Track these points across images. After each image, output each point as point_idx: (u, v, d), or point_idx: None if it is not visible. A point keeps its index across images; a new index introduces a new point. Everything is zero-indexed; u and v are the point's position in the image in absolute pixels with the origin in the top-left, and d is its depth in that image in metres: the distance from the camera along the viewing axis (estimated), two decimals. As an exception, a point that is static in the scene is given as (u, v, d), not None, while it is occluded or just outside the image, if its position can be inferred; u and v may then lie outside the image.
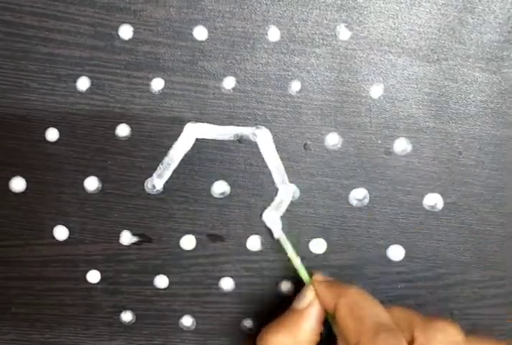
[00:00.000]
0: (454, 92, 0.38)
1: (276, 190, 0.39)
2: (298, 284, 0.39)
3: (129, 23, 0.38)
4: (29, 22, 0.38)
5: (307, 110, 0.38)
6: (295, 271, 0.37)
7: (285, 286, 0.40)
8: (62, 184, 0.39)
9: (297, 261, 0.37)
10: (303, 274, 0.37)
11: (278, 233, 0.38)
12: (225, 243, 0.39)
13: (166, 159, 0.39)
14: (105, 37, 0.38)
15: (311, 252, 0.39)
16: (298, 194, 0.39)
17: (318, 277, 0.36)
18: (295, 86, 0.38)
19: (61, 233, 0.39)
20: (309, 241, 0.39)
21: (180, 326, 0.40)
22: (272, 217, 0.39)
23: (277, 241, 0.38)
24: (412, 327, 0.31)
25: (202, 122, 0.39)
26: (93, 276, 0.40)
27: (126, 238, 0.39)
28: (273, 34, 0.38)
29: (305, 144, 0.39)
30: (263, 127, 0.39)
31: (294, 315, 0.34)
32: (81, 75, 0.38)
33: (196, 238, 0.39)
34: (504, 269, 0.39)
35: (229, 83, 0.38)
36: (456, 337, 0.31)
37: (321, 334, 0.34)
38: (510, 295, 0.39)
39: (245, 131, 0.39)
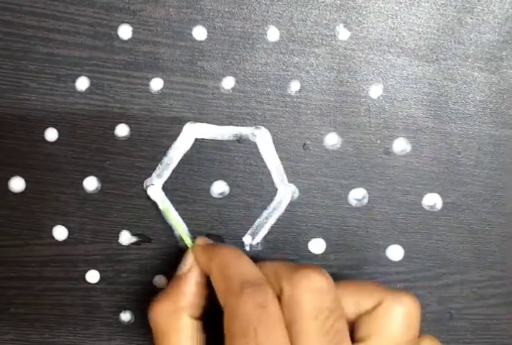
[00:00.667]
0: (453, 92, 0.38)
1: (275, 190, 0.39)
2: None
3: (129, 23, 0.38)
4: (28, 22, 0.38)
5: (306, 110, 0.38)
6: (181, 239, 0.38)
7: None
8: (61, 184, 0.39)
9: (180, 228, 0.38)
10: (187, 240, 0.38)
11: (162, 205, 0.38)
12: (224, 243, 0.39)
13: (165, 159, 0.39)
14: (104, 37, 0.38)
15: (310, 252, 0.39)
16: (297, 194, 0.39)
17: (200, 240, 0.36)
18: (294, 86, 0.38)
19: (60, 233, 0.39)
20: (308, 241, 0.39)
21: (180, 326, 0.40)
22: (155, 189, 0.38)
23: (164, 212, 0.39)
24: (280, 278, 0.31)
25: (201, 122, 0.39)
26: (93, 276, 0.40)
27: (126, 238, 0.39)
28: (272, 34, 0.38)
29: (305, 144, 0.39)
30: (262, 127, 0.39)
31: (175, 282, 0.34)
32: (80, 75, 0.38)
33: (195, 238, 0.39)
34: (503, 269, 0.39)
35: (228, 83, 0.38)
36: (321, 283, 0.30)
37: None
38: (509, 294, 0.39)
39: (244, 131, 0.39)
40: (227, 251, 0.34)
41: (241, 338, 0.29)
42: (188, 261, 0.35)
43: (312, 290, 0.30)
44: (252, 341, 0.28)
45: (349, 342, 0.30)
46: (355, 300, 0.32)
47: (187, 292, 0.34)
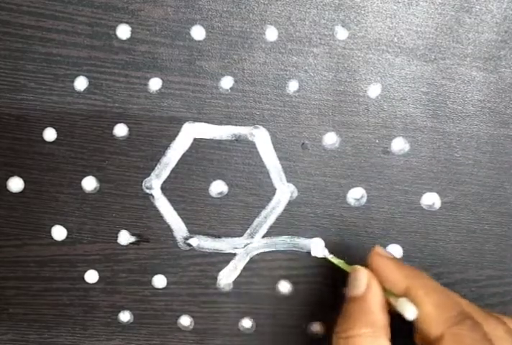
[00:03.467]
0: (452, 91, 0.38)
1: (274, 190, 0.39)
2: (296, 284, 0.39)
3: (127, 23, 0.38)
4: (26, 22, 0.38)
5: (305, 109, 0.38)
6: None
7: (283, 285, 0.40)
8: (59, 184, 0.39)
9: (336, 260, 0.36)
10: (345, 266, 0.35)
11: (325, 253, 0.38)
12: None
13: (164, 159, 0.39)
14: (103, 37, 0.38)
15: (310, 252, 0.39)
16: (295, 193, 0.39)
17: (378, 249, 0.34)
18: (292, 86, 0.38)
19: (59, 233, 0.39)
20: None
21: (178, 326, 0.40)
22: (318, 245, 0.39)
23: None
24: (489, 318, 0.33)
25: (200, 122, 0.39)
26: (91, 276, 0.40)
27: (124, 238, 0.39)
28: (271, 33, 0.38)
29: (303, 143, 0.39)
30: (261, 127, 0.39)
31: (358, 304, 0.32)
32: (79, 74, 0.38)
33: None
34: (502, 269, 0.39)
35: (226, 82, 0.38)
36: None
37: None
38: (507, 294, 0.39)
39: (243, 130, 0.39)
40: (428, 276, 0.33)
41: None
42: (364, 280, 0.32)
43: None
44: None
45: None
46: None
47: (381, 314, 0.32)
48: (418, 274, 0.32)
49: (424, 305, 0.31)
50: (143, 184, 0.39)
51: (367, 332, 0.31)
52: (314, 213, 0.39)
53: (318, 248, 0.38)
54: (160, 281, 0.40)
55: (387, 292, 0.32)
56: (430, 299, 0.31)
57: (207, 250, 0.39)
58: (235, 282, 0.39)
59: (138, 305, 0.40)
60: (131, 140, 0.39)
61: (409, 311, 0.31)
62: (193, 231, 0.39)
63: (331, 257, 0.36)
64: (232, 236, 0.39)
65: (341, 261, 0.36)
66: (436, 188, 0.39)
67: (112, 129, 0.39)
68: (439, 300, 0.31)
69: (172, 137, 0.39)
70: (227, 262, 0.39)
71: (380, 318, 0.31)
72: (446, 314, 0.30)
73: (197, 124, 0.39)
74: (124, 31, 0.38)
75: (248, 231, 0.39)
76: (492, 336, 0.30)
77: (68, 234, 0.39)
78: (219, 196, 0.39)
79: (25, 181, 0.39)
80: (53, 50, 0.38)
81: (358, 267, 0.33)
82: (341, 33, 0.38)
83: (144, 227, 0.39)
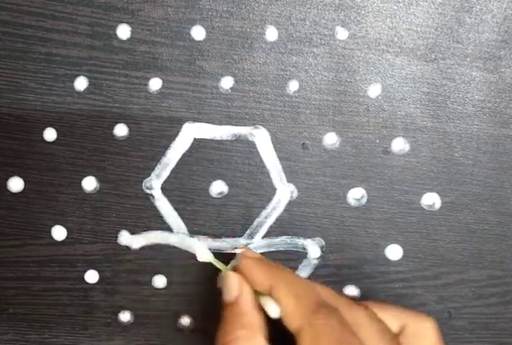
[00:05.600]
0: (452, 91, 0.38)
1: (274, 190, 0.39)
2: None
3: (127, 23, 0.38)
4: (26, 22, 0.38)
5: (305, 109, 0.38)
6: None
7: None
8: (60, 184, 0.39)
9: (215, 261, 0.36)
10: (221, 266, 0.36)
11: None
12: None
13: (164, 159, 0.39)
14: (103, 37, 0.38)
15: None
16: (296, 193, 0.39)
17: (247, 252, 0.35)
18: (293, 86, 0.38)
19: (59, 233, 0.39)
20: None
21: (179, 326, 0.40)
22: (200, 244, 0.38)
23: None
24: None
25: (200, 122, 0.39)
26: (91, 276, 0.40)
27: (125, 238, 0.39)
28: (271, 33, 0.38)
29: (303, 143, 0.39)
30: (261, 127, 0.39)
31: (234, 308, 0.33)
32: (79, 74, 0.38)
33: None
34: (502, 268, 0.39)
35: (226, 82, 0.38)
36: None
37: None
38: (507, 293, 0.40)
39: (243, 130, 0.39)
40: (290, 271, 0.33)
41: None
42: (235, 284, 0.33)
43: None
44: None
45: None
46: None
47: (253, 314, 0.32)
48: (280, 271, 0.33)
49: (284, 301, 0.31)
50: (143, 184, 0.39)
51: (242, 334, 0.32)
52: (314, 213, 0.39)
53: (202, 252, 0.37)
54: (159, 281, 0.40)
55: (257, 293, 0.33)
56: (289, 294, 0.31)
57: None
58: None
59: (138, 305, 0.40)
60: (131, 140, 0.39)
61: (272, 309, 0.32)
62: (193, 231, 0.39)
63: (214, 261, 0.36)
64: (232, 236, 0.39)
65: (224, 265, 0.35)
66: (436, 188, 0.39)
67: (112, 129, 0.39)
68: (297, 294, 0.31)
69: (172, 137, 0.39)
70: (227, 262, 0.39)
71: (253, 319, 0.32)
72: (304, 306, 0.31)
73: (197, 124, 0.39)
74: (124, 31, 0.38)
75: (248, 231, 0.39)
76: (353, 323, 0.31)
77: (68, 234, 0.39)
78: (219, 196, 0.39)
79: (25, 181, 0.39)
80: (53, 50, 0.38)
81: (228, 272, 0.34)
82: (342, 33, 0.38)
83: (144, 227, 0.39)
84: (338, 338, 0.29)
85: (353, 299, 0.35)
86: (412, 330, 0.34)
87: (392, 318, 0.34)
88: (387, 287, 0.39)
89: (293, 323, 0.31)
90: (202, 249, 0.37)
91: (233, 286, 0.33)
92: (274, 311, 0.32)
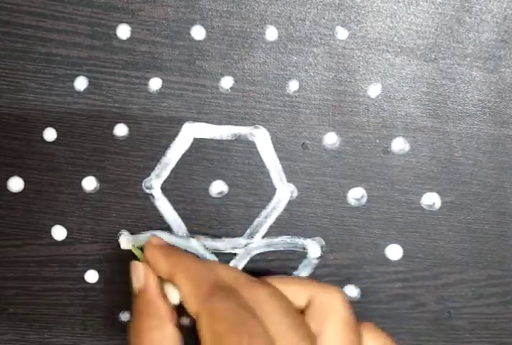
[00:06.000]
0: (452, 91, 0.38)
1: (274, 190, 0.39)
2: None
3: (127, 23, 0.38)
4: (26, 22, 0.38)
5: (305, 109, 0.38)
6: None
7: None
8: (59, 184, 0.39)
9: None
10: (137, 251, 0.37)
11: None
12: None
13: (164, 159, 0.39)
14: (103, 37, 0.38)
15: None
16: (296, 193, 0.39)
17: (154, 239, 0.35)
18: (293, 86, 0.38)
19: (59, 233, 0.39)
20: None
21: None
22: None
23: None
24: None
25: (200, 122, 0.39)
26: (91, 276, 0.40)
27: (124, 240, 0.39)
28: (271, 33, 0.38)
29: (303, 143, 0.39)
30: (261, 127, 0.39)
31: (143, 297, 0.33)
32: (79, 74, 0.38)
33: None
34: (502, 268, 0.39)
35: (226, 82, 0.38)
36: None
37: None
38: (507, 293, 0.40)
39: (243, 130, 0.39)
40: (190, 256, 0.34)
41: (231, 335, 0.29)
42: (142, 274, 0.34)
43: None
44: (245, 333, 0.28)
45: None
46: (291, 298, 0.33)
47: (161, 303, 0.33)
48: (180, 257, 0.33)
49: (182, 287, 0.32)
50: (143, 184, 0.39)
51: (152, 323, 0.32)
52: (314, 213, 0.39)
53: (124, 240, 0.38)
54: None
55: (162, 280, 0.33)
56: (186, 279, 0.31)
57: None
58: None
59: (138, 305, 0.40)
60: (132, 140, 0.39)
61: (173, 295, 0.33)
62: (193, 231, 0.39)
63: (134, 250, 0.37)
64: (232, 236, 0.39)
65: (142, 255, 0.36)
66: (437, 188, 0.39)
67: (112, 129, 0.39)
68: (193, 278, 0.31)
69: (172, 137, 0.39)
70: (227, 262, 0.39)
71: (161, 307, 0.33)
72: (200, 290, 0.31)
73: (197, 124, 0.39)
74: (124, 31, 0.38)
75: (248, 231, 0.39)
76: (253, 303, 0.30)
77: (68, 234, 0.39)
78: (219, 196, 0.39)
79: (25, 181, 0.39)
80: (53, 50, 0.38)
81: (134, 262, 0.35)
82: (342, 33, 0.38)
83: (144, 227, 0.39)
84: (234, 321, 0.29)
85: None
86: (319, 302, 0.33)
87: (298, 292, 0.33)
88: (387, 287, 0.39)
89: (191, 308, 0.31)
90: (124, 238, 0.38)
91: (139, 275, 0.34)
92: (174, 297, 0.32)
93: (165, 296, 0.33)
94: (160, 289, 0.33)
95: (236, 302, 0.30)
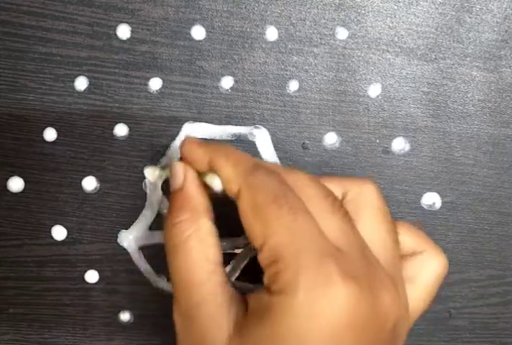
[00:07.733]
0: (452, 91, 0.38)
1: (274, 190, 0.39)
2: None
3: (127, 22, 0.38)
4: (26, 22, 0.38)
5: (305, 109, 0.38)
6: None
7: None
8: (60, 184, 0.39)
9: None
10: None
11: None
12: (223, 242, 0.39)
13: (164, 159, 0.39)
14: (103, 37, 0.38)
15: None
16: (296, 193, 0.39)
17: (189, 138, 0.33)
18: (293, 86, 0.38)
19: (59, 233, 0.39)
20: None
21: (179, 326, 0.40)
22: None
23: None
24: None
25: (200, 122, 0.39)
26: (91, 276, 0.40)
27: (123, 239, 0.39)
28: (271, 33, 0.38)
29: (304, 143, 0.39)
30: (261, 127, 0.39)
31: (179, 194, 0.32)
32: (79, 74, 0.38)
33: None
34: (502, 268, 0.39)
35: (227, 82, 0.38)
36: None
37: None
38: (508, 293, 0.40)
39: (243, 130, 0.39)
40: (227, 144, 0.33)
41: (271, 205, 0.28)
42: (180, 171, 0.32)
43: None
44: (285, 205, 0.28)
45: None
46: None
47: (198, 198, 0.32)
48: (217, 146, 0.32)
49: (223, 170, 0.31)
50: (143, 184, 0.39)
51: (187, 217, 0.31)
52: (314, 213, 0.39)
53: (150, 171, 0.35)
54: (160, 281, 0.40)
55: (201, 174, 0.32)
56: (227, 162, 0.31)
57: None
58: (235, 282, 0.39)
59: (138, 305, 0.40)
60: (132, 140, 0.39)
61: (214, 183, 0.31)
62: (193, 231, 0.39)
63: (162, 172, 0.35)
64: (232, 236, 0.39)
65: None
66: (437, 188, 0.39)
67: (112, 128, 0.39)
68: (234, 160, 0.31)
69: (173, 137, 0.39)
70: (227, 262, 0.39)
71: (199, 202, 0.32)
72: (241, 169, 0.30)
73: (197, 124, 0.39)
74: (124, 31, 0.38)
75: (248, 231, 0.39)
76: (294, 185, 0.30)
77: (68, 234, 0.39)
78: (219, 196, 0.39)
79: (25, 181, 0.39)
80: (53, 50, 0.38)
81: (173, 161, 0.33)
82: (342, 33, 0.38)
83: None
84: (275, 194, 0.28)
85: None
86: (353, 194, 0.32)
87: (332, 187, 0.32)
88: (388, 287, 0.39)
89: (232, 188, 0.30)
90: (148, 169, 0.35)
91: (178, 173, 0.32)
92: (216, 183, 0.31)
93: (203, 192, 0.32)
94: (198, 184, 0.32)
95: (277, 178, 0.29)
